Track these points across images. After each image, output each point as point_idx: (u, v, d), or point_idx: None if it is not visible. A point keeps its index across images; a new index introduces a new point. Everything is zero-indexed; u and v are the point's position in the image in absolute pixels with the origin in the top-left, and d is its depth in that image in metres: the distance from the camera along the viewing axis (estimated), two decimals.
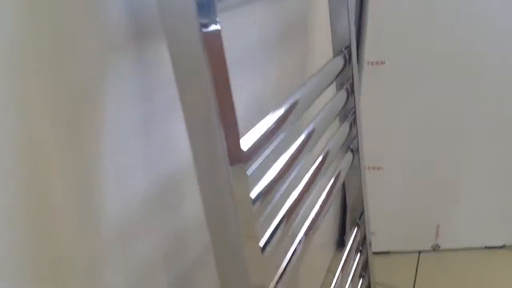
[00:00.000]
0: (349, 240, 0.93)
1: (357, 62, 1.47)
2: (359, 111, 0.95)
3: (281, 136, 0.58)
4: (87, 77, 0.38)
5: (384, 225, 1.57)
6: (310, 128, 0.72)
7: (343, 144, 0.93)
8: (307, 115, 0.72)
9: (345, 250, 0.89)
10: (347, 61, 0.90)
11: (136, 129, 0.44)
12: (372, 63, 1.44)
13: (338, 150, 0.85)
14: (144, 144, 0.45)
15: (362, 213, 0.99)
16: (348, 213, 1.00)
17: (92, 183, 0.40)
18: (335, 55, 0.89)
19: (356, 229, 0.98)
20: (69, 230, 0.38)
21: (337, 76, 0.86)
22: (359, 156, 0.96)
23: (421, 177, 1.51)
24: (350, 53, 0.90)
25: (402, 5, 1.36)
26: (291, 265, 0.63)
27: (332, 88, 0.91)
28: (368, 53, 1.43)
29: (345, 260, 0.87)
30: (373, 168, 1.52)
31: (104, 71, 0.39)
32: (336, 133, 0.87)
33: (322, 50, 0.93)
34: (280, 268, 0.60)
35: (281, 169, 0.58)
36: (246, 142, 0.47)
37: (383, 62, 1.44)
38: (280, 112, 0.59)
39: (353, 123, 0.93)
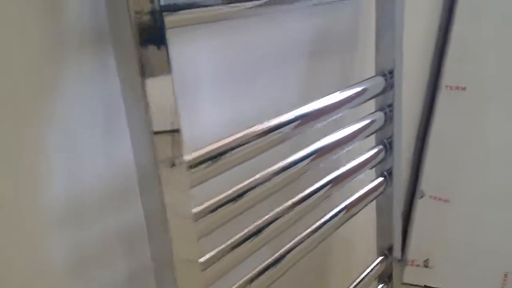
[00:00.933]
0: (368, 267, 0.90)
1: (435, 85, 1.40)
2: (398, 141, 0.91)
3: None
4: (37, 68, 0.43)
5: (444, 260, 1.47)
6: (322, 142, 0.74)
7: (375, 168, 0.91)
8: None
9: (358, 276, 0.87)
10: (389, 85, 0.87)
11: (95, 120, 0.50)
12: (451, 87, 1.36)
13: (362, 170, 0.84)
14: (105, 134, 0.51)
15: (391, 245, 0.95)
16: (376, 240, 0.97)
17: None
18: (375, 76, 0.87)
19: (381, 258, 0.95)
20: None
21: (370, 98, 0.84)
22: (392, 185, 0.92)
23: (492, 216, 1.38)
24: (393, 78, 0.87)
25: (492, 30, 1.26)
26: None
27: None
28: (448, 76, 1.35)
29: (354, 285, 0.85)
30: (439, 199, 1.43)
31: (61, 65, 0.45)
32: (363, 153, 0.85)
33: (367, 72, 0.91)
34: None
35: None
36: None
37: (463, 88, 1.35)
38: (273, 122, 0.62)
39: (389, 151, 0.90)
